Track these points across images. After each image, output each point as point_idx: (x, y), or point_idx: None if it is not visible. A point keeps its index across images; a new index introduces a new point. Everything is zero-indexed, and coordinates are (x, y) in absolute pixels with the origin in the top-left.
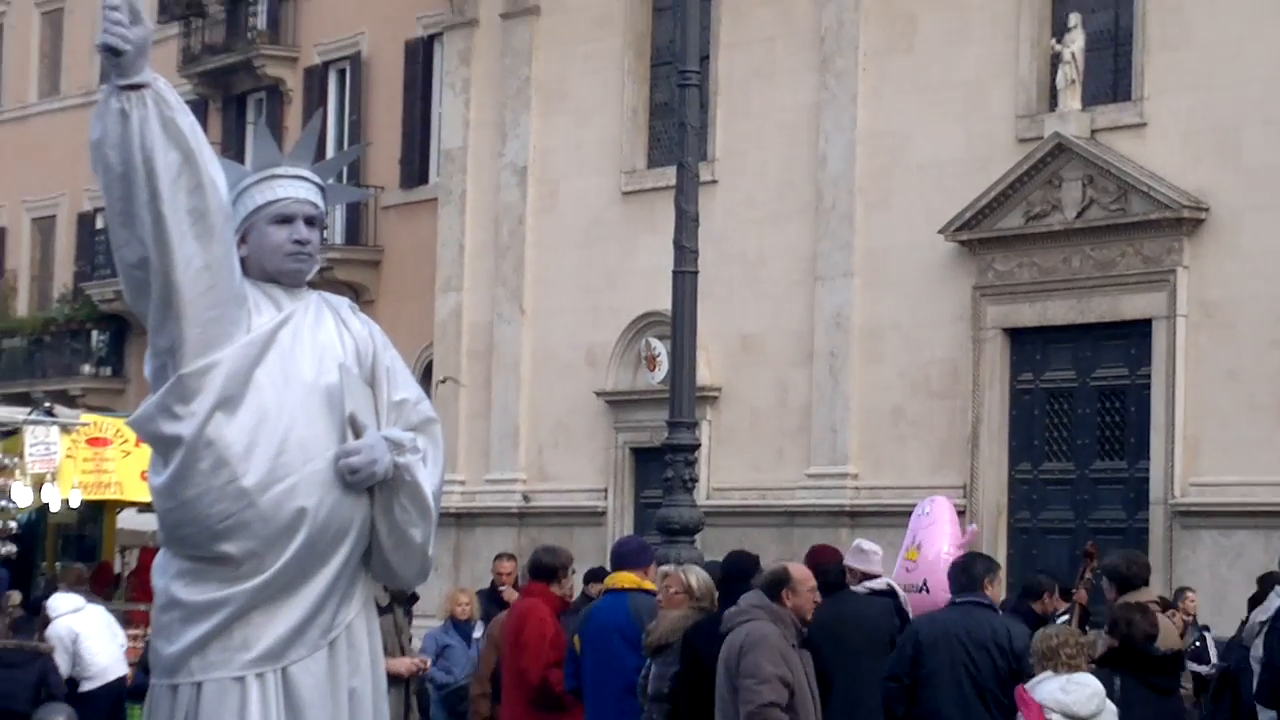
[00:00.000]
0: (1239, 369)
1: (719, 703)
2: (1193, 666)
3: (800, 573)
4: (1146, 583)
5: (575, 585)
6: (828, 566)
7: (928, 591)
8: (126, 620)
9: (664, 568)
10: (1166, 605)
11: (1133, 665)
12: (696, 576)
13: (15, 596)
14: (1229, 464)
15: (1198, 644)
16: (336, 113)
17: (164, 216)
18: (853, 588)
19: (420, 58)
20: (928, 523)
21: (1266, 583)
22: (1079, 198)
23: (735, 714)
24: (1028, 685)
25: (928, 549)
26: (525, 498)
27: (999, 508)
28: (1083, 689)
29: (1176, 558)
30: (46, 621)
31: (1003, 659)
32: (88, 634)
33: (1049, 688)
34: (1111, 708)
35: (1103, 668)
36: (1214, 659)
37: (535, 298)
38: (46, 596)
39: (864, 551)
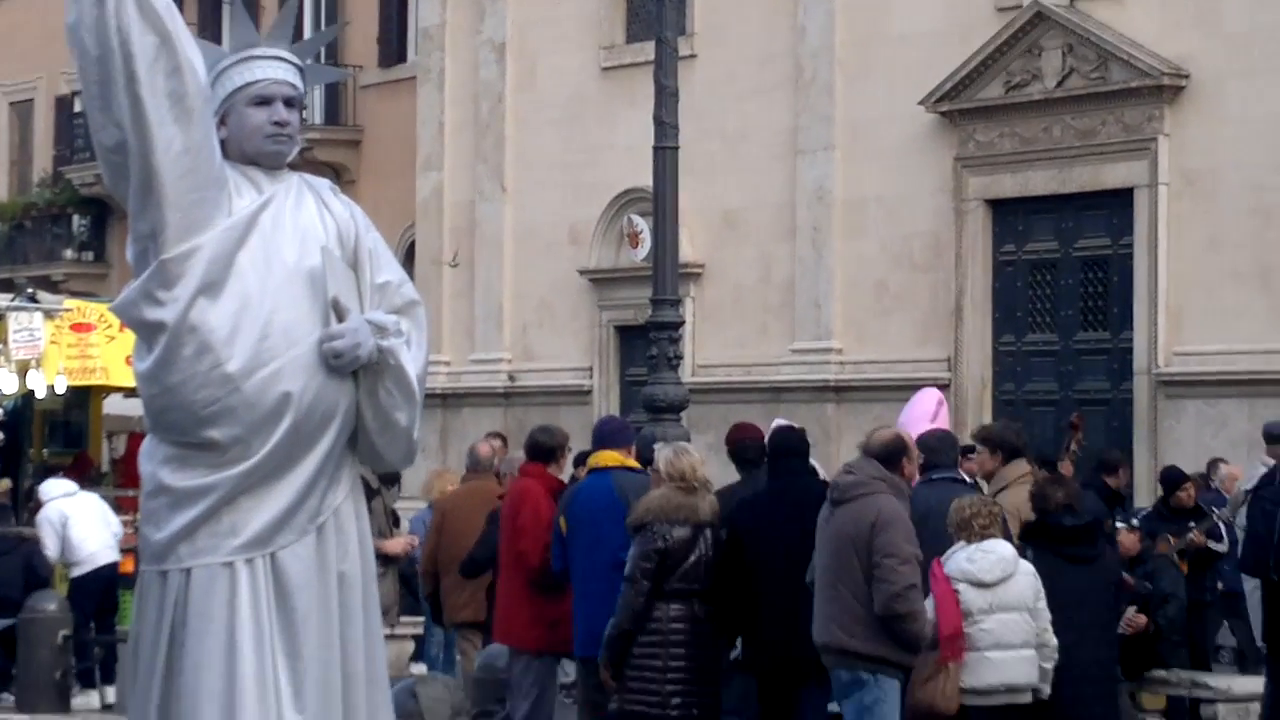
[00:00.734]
0: (1221, 237)
1: (835, 572)
2: (1212, 545)
3: (910, 439)
4: (1021, 452)
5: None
6: (747, 444)
7: None
8: (117, 506)
9: (655, 445)
10: (1045, 463)
11: (1048, 538)
12: (665, 456)
13: (4, 483)
14: (1212, 333)
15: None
16: None
17: (142, 100)
18: None
19: None
20: (906, 408)
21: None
22: (1059, 67)
23: (862, 587)
24: (942, 558)
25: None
26: (511, 378)
27: (983, 380)
28: (988, 556)
29: (1161, 428)
30: (39, 506)
31: None
32: (77, 519)
33: (957, 558)
34: (1027, 572)
35: (1023, 541)
36: (1224, 534)
37: (516, 176)
38: (38, 483)
39: None
